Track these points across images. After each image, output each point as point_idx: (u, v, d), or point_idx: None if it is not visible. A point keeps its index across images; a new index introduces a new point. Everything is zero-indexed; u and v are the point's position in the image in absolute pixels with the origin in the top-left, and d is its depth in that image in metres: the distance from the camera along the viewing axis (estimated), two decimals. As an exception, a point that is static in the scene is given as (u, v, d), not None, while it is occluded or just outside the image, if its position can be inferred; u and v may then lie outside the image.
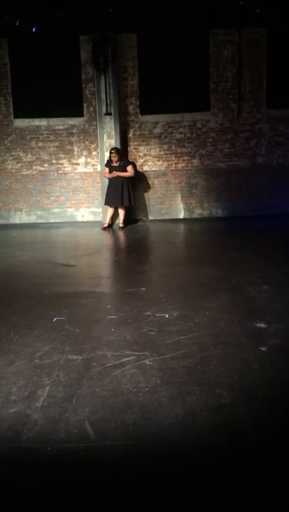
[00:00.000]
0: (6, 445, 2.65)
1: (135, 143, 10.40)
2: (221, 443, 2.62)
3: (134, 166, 9.88)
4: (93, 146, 10.36)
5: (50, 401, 3.07)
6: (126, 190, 9.58)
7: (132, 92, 10.22)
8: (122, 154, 9.70)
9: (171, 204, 10.60)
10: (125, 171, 9.56)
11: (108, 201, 9.73)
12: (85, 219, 10.65)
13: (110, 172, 9.58)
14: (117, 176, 9.52)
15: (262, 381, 3.26)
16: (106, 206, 9.83)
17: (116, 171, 9.54)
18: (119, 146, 9.89)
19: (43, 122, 10.38)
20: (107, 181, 9.75)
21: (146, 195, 10.55)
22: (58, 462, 2.51)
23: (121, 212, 9.77)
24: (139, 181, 10.46)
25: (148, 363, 3.56)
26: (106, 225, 9.75)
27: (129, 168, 9.61)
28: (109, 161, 9.62)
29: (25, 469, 2.48)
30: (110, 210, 9.78)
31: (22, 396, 3.15)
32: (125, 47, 10.03)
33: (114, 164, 9.55)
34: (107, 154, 9.70)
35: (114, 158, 9.49)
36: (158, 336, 4.04)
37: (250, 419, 2.82)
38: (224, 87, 10.18)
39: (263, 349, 3.74)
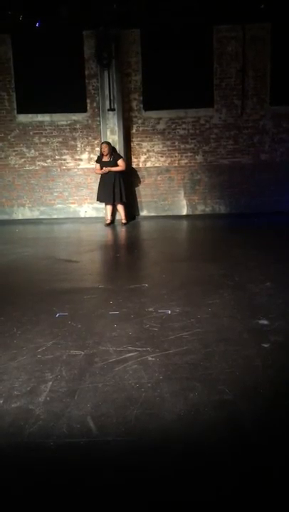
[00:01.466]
0: (8, 440, 2.66)
1: (138, 139, 10.39)
2: (222, 439, 2.62)
3: (124, 160, 9.84)
4: (96, 141, 10.35)
5: (53, 396, 3.08)
6: (118, 187, 9.54)
7: (136, 87, 10.21)
8: (113, 149, 9.66)
9: (174, 200, 10.59)
10: (116, 165, 9.54)
11: (100, 197, 9.72)
12: (88, 215, 10.66)
13: (102, 168, 9.55)
14: (109, 172, 9.48)
15: (264, 378, 3.26)
16: (103, 203, 9.84)
17: (107, 166, 9.50)
18: (122, 142, 9.88)
19: (46, 118, 10.38)
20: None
21: (149, 191, 10.55)
22: (60, 457, 2.52)
23: (120, 208, 9.76)
24: (142, 177, 10.47)
25: (150, 358, 3.56)
26: (108, 221, 9.75)
27: (120, 162, 9.57)
28: (100, 157, 9.61)
29: (27, 464, 2.49)
30: (110, 207, 9.78)
31: (24, 391, 3.15)
32: (129, 42, 10.02)
33: (105, 159, 9.52)
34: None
35: (105, 149, 9.43)
36: (160, 332, 4.04)
37: (251, 416, 2.82)
38: (228, 83, 10.15)
39: (265, 346, 3.74)
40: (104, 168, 9.51)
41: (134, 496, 2.25)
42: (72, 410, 2.91)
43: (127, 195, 9.83)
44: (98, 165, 9.63)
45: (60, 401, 3.02)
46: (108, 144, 9.55)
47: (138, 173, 10.48)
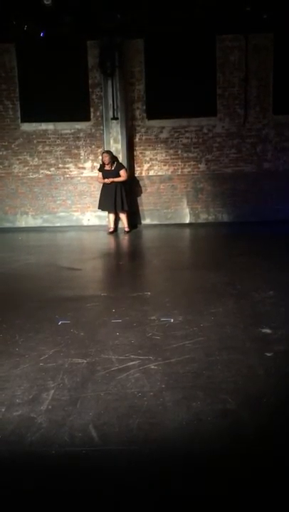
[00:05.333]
0: (10, 448, 2.65)
1: (141, 147, 10.43)
2: (225, 448, 2.61)
3: (126, 170, 9.87)
4: (100, 150, 10.38)
5: (55, 404, 3.07)
6: (119, 196, 9.56)
7: (139, 96, 10.25)
8: (115, 158, 9.69)
9: (176, 209, 10.60)
10: (118, 175, 9.57)
11: (102, 206, 9.76)
12: (90, 223, 10.68)
13: (104, 177, 9.58)
14: (112, 182, 9.51)
15: (267, 387, 3.25)
16: (104, 211, 9.87)
17: (109, 176, 9.53)
18: (125, 151, 9.92)
19: (50, 126, 10.43)
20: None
21: (151, 199, 10.57)
22: (61, 466, 2.51)
23: (122, 216, 9.78)
24: (145, 186, 10.49)
25: (153, 367, 3.55)
26: (111, 230, 9.77)
27: (122, 172, 9.60)
28: (102, 166, 9.64)
29: (29, 472, 2.48)
30: (112, 215, 9.80)
31: (26, 399, 3.15)
32: (132, 52, 10.08)
33: (107, 168, 9.56)
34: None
35: (106, 158, 9.47)
36: (163, 341, 4.03)
37: (254, 425, 2.81)
38: (231, 92, 10.19)
39: (268, 355, 3.72)
40: (107, 178, 9.53)
41: (137, 505, 2.24)
42: (74, 419, 2.90)
43: (129, 203, 9.85)
44: (101, 173, 9.67)
45: (62, 409, 3.01)
46: (109, 153, 9.58)
47: (141, 181, 10.51)
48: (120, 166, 9.65)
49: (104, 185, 9.61)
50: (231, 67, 10.11)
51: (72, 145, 10.47)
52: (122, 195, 9.59)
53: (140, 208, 10.51)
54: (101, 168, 9.68)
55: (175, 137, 10.39)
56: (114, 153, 9.75)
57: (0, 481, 2.42)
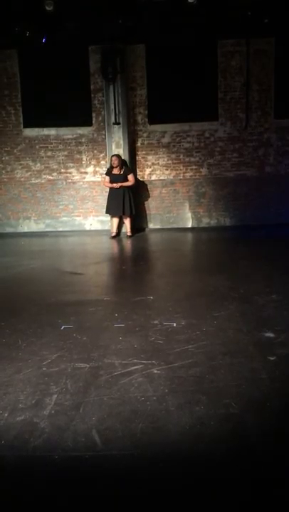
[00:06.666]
0: (13, 453, 2.64)
1: (143, 152, 10.45)
2: (228, 453, 2.60)
3: (134, 175, 9.91)
4: (102, 155, 10.42)
5: (58, 409, 3.06)
6: (128, 200, 9.60)
7: (141, 101, 10.29)
8: (123, 162, 9.72)
9: (179, 213, 10.61)
10: (126, 179, 9.58)
11: (110, 210, 9.77)
12: (93, 228, 10.70)
13: (111, 181, 9.60)
14: (121, 187, 9.53)
15: (270, 391, 3.23)
16: (112, 215, 9.88)
17: (117, 180, 9.55)
18: (127, 156, 9.93)
19: (52, 131, 10.46)
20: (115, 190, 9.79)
21: (154, 204, 10.58)
22: (65, 471, 2.50)
23: (126, 221, 9.79)
24: (147, 190, 10.51)
25: (156, 371, 3.54)
26: (114, 234, 9.78)
27: (130, 177, 9.64)
28: (110, 170, 9.66)
29: (32, 478, 2.47)
30: (116, 219, 9.82)
31: (29, 404, 3.14)
32: (134, 57, 10.12)
33: (115, 172, 9.57)
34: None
35: (116, 161, 9.49)
36: (166, 345, 4.03)
37: (258, 429, 2.80)
38: (232, 96, 10.22)
39: (271, 358, 3.71)
40: (116, 183, 9.54)
41: (140, 509, 2.23)
42: (78, 423, 2.89)
43: (135, 207, 9.88)
44: (108, 178, 9.69)
45: (65, 414, 3.00)
46: (118, 156, 9.61)
47: (143, 186, 10.52)
48: (128, 171, 9.68)
49: (112, 189, 9.63)
50: (233, 72, 10.14)
51: (75, 150, 10.51)
52: (130, 199, 9.63)
53: (143, 212, 10.53)
54: (108, 172, 9.70)
55: (177, 142, 10.41)
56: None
57: (3, 485, 2.42)
